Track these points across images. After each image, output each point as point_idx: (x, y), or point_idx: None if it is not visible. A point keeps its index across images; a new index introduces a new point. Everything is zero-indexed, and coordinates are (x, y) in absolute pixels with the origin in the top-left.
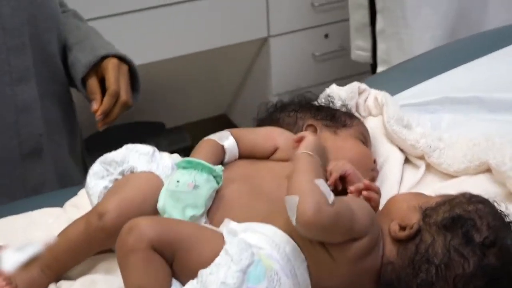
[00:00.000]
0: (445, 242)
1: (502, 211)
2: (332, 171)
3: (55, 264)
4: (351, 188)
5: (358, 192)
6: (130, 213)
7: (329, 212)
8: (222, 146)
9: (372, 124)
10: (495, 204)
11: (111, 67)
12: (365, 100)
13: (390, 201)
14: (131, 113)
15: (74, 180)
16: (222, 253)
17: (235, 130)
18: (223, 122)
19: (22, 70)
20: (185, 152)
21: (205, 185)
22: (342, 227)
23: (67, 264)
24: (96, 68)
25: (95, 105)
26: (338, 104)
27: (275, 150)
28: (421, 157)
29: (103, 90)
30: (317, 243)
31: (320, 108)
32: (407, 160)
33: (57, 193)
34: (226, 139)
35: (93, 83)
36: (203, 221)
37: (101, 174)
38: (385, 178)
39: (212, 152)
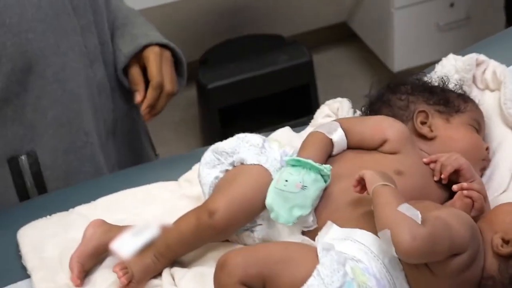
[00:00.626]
0: None
1: None
2: (445, 164)
3: (168, 252)
4: (455, 187)
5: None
6: (239, 211)
7: (424, 235)
8: (331, 140)
9: (488, 102)
10: None
11: (152, 57)
12: (483, 72)
13: (494, 211)
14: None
15: (150, 156)
16: (314, 273)
17: (344, 120)
18: (343, 31)
19: (93, 50)
20: (305, 67)
21: (313, 185)
22: (442, 245)
23: (178, 252)
24: (138, 56)
25: (138, 97)
26: (454, 77)
27: (384, 142)
28: None
29: (146, 79)
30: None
31: (433, 91)
32: None
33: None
34: (335, 132)
35: (135, 73)
36: (310, 219)
37: (213, 163)
38: (496, 167)
39: (320, 147)
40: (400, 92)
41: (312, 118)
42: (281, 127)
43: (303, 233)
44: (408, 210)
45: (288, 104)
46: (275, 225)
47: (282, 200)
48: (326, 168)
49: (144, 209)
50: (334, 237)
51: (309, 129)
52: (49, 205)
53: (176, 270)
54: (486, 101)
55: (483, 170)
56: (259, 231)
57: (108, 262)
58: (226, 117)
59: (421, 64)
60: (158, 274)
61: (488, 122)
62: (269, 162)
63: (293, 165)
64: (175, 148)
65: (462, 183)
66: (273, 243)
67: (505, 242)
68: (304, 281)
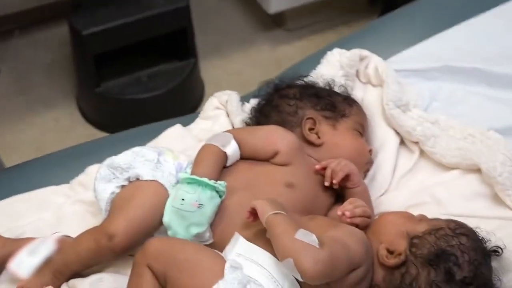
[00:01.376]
0: (428, 278)
1: (483, 239)
2: (336, 170)
3: (66, 270)
4: (339, 213)
5: (345, 217)
6: (137, 233)
7: (324, 258)
8: (225, 153)
9: (371, 100)
10: (478, 232)
11: None
12: (366, 67)
13: (379, 221)
14: None
15: None
16: (214, 287)
17: (236, 132)
18: None
19: None
20: (182, 11)
21: (209, 203)
22: (341, 264)
23: (77, 270)
24: None
25: None
26: (339, 74)
27: (275, 154)
28: (416, 143)
29: None
30: None
31: (320, 95)
32: (402, 142)
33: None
34: (229, 144)
35: None
36: (207, 235)
37: (108, 178)
38: (378, 168)
39: (214, 161)
40: (288, 97)
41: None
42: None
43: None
44: (305, 236)
45: (165, 48)
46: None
47: (179, 218)
48: (221, 185)
49: (39, 216)
50: (240, 252)
51: (199, 121)
52: None
53: (73, 282)
54: (369, 99)
55: (366, 172)
56: None
57: (4, 277)
58: (102, 61)
59: (297, 5)
60: None
61: (372, 121)
62: (164, 177)
63: (188, 182)
64: (48, 92)
65: (344, 210)
66: (191, 243)
67: (390, 252)
68: None
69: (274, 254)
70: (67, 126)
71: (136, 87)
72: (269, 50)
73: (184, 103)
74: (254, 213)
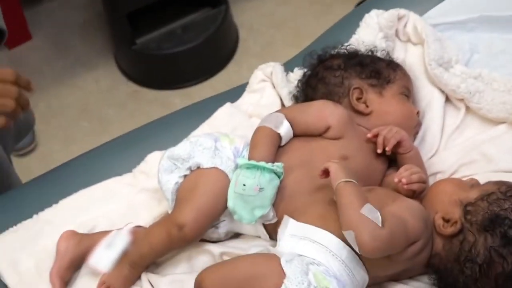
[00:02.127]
0: (486, 244)
1: None
2: (388, 138)
3: (142, 261)
4: (395, 180)
5: (401, 184)
6: (205, 220)
7: (384, 236)
8: (279, 134)
9: (413, 60)
10: None
11: None
12: (405, 26)
13: (433, 190)
14: None
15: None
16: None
17: (287, 111)
18: None
19: None
20: None
21: (269, 185)
22: (400, 241)
23: (152, 260)
24: None
25: None
26: (379, 36)
27: (327, 129)
28: (462, 100)
29: None
30: None
31: (364, 63)
32: (447, 99)
33: None
34: (281, 125)
35: None
36: (271, 215)
37: (170, 169)
38: (428, 128)
39: (270, 143)
40: (333, 68)
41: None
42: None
43: (264, 225)
44: (370, 212)
45: None
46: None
47: (243, 203)
48: (279, 166)
49: (107, 207)
50: (292, 233)
51: (246, 96)
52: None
53: (152, 277)
54: (411, 59)
55: (416, 134)
56: (223, 227)
57: (85, 270)
58: (135, 18)
59: None
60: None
61: (416, 82)
62: (223, 163)
63: (247, 168)
64: (85, 53)
65: (401, 177)
66: (241, 259)
67: (446, 221)
68: None
69: (327, 229)
70: (108, 85)
71: (172, 40)
72: None
73: (220, 51)
74: (326, 172)
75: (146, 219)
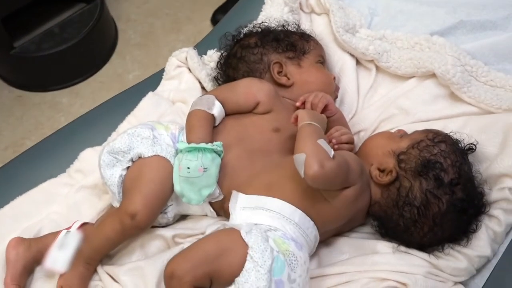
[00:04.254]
0: (421, 187)
1: (458, 141)
2: (315, 103)
3: (96, 255)
4: (334, 140)
5: (332, 144)
6: (155, 206)
7: (331, 165)
8: (212, 115)
9: (319, 29)
10: (452, 136)
11: None
12: None
13: (365, 145)
14: None
15: None
16: (248, 258)
17: (217, 92)
18: None
19: None
20: None
21: (212, 164)
22: (341, 176)
23: (106, 253)
24: None
25: None
26: (285, 10)
27: (257, 105)
28: (371, 61)
29: None
30: (316, 198)
31: (278, 38)
32: (358, 62)
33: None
34: (213, 106)
35: None
36: (217, 192)
37: (112, 163)
38: (345, 91)
39: (205, 125)
40: (250, 46)
41: None
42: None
43: (210, 203)
44: (325, 144)
45: None
46: (183, 202)
47: (189, 185)
48: (218, 145)
49: (48, 210)
50: (243, 206)
51: (164, 83)
52: None
53: (110, 269)
54: (318, 28)
55: (335, 98)
56: (171, 211)
57: (39, 274)
58: (10, 21)
59: None
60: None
61: (327, 50)
62: (164, 150)
63: (189, 151)
64: None
65: (331, 138)
66: (205, 240)
67: (381, 171)
68: (241, 265)
69: (274, 197)
70: None
71: (51, 40)
72: None
73: (101, 45)
74: (296, 118)
75: (90, 215)
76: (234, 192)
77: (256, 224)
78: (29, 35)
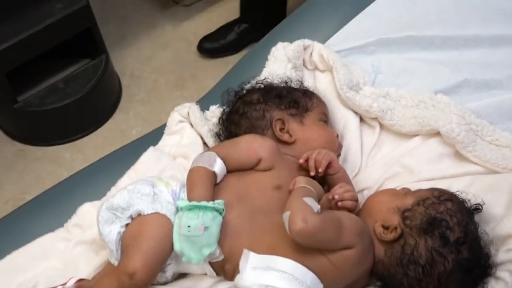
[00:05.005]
0: (426, 245)
1: (464, 200)
2: (318, 160)
3: None
4: (330, 196)
5: (335, 201)
6: (154, 265)
7: (315, 220)
8: (213, 172)
9: (322, 86)
10: (458, 194)
11: None
12: (310, 55)
13: (368, 202)
14: None
15: None
16: None
17: (218, 149)
18: None
19: None
20: (84, 11)
21: (213, 223)
22: (329, 232)
23: None
24: None
25: None
26: (288, 67)
27: (259, 161)
28: (375, 118)
29: None
30: (319, 260)
31: (281, 94)
32: (361, 119)
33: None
34: (215, 163)
35: None
36: (217, 252)
37: (111, 220)
38: (348, 149)
39: (206, 182)
40: (252, 102)
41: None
42: (72, 73)
43: (210, 263)
44: (310, 201)
45: (75, 48)
46: (183, 261)
47: (189, 244)
48: (219, 203)
49: (45, 265)
50: (254, 266)
51: (166, 138)
52: None
53: None
54: (321, 86)
55: (338, 156)
56: (170, 270)
57: None
58: (14, 76)
59: None
60: None
61: (330, 107)
62: (164, 208)
63: (190, 209)
64: None
65: (334, 194)
66: None
67: (385, 228)
68: None
69: (286, 256)
70: None
71: (54, 95)
72: (173, 29)
73: (105, 100)
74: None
75: (86, 271)
76: (245, 251)
77: (267, 286)
78: (33, 90)
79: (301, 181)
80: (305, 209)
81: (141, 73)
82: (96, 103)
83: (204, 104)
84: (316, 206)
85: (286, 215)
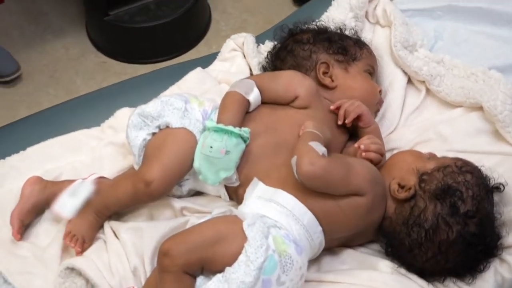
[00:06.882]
0: (435, 210)
1: (487, 177)
2: (349, 111)
3: (106, 211)
4: (356, 145)
5: (360, 150)
6: (172, 178)
7: (321, 162)
8: (248, 100)
9: (379, 40)
10: (482, 170)
11: None
12: (374, 8)
13: (392, 159)
14: None
15: None
16: (243, 251)
17: (258, 78)
18: None
19: None
20: None
21: (235, 149)
22: (337, 176)
23: (116, 211)
24: None
25: None
26: (349, 15)
27: (295, 98)
28: (423, 82)
29: None
30: (329, 203)
31: (332, 39)
32: (409, 81)
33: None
34: (251, 91)
35: None
36: (234, 178)
37: (139, 125)
38: (388, 106)
39: (238, 109)
40: (302, 42)
41: None
42: None
43: (225, 187)
44: (316, 145)
45: None
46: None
47: (208, 164)
48: (246, 131)
49: (73, 157)
50: (259, 195)
51: (216, 63)
52: None
53: (114, 224)
54: (378, 40)
55: (377, 111)
56: (186, 185)
57: (47, 215)
58: None
59: None
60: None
61: (381, 61)
62: (192, 124)
63: (215, 131)
64: (57, 21)
65: (360, 143)
66: (204, 225)
67: (401, 187)
68: (235, 257)
69: (292, 193)
70: (77, 54)
71: (145, 15)
72: None
73: (191, 30)
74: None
75: (110, 171)
76: (255, 179)
77: (262, 216)
78: (126, 6)
79: (309, 126)
80: (311, 152)
81: (232, 10)
82: (182, 31)
83: (262, 38)
84: (322, 149)
85: (294, 160)
